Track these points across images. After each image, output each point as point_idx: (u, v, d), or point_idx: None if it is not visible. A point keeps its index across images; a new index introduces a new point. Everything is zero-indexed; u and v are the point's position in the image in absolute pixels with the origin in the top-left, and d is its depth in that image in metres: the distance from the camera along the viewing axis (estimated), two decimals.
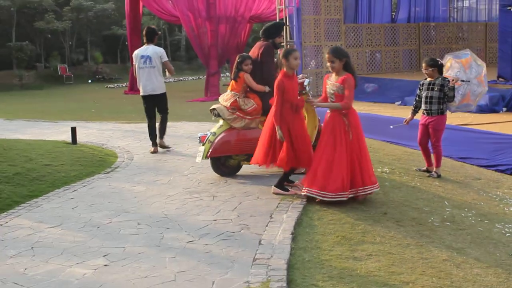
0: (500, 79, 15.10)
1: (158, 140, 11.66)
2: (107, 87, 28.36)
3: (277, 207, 7.63)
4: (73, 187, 9.00)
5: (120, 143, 12.36)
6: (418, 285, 5.62)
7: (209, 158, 9.11)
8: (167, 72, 11.95)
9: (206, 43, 21.98)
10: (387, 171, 9.79)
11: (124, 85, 27.01)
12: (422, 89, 9.96)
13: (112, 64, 31.25)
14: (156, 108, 11.86)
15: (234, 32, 22.93)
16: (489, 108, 14.41)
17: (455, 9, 21.84)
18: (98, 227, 7.10)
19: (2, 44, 30.76)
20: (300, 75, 9.22)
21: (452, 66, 10.11)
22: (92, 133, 13.59)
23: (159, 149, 11.63)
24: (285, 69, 7.96)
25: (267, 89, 9.05)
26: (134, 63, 11.90)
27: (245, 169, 9.52)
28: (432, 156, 10.18)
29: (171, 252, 6.22)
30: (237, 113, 9.04)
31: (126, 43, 26.64)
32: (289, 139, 7.96)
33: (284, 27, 17.67)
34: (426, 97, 9.83)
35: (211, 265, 5.82)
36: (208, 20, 21.96)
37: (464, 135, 12.21)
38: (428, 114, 9.94)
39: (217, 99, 9.85)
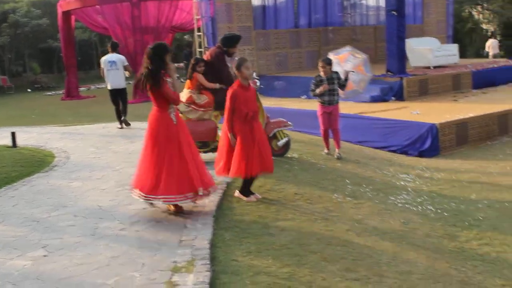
0: (389, 73, 15.36)
1: (122, 119, 13.94)
2: (45, 94, 27.52)
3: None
4: (14, 186, 8.57)
5: (57, 145, 11.93)
6: (324, 254, 5.64)
7: None
8: (126, 72, 14.08)
9: (133, 51, 21.63)
10: (296, 156, 9.80)
11: (61, 92, 26.22)
12: (320, 84, 9.98)
13: (49, 74, 30.42)
14: (119, 98, 14.02)
15: (158, 40, 22.66)
16: (381, 98, 14.66)
17: (349, 15, 22.11)
18: (37, 221, 6.78)
19: None
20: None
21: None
22: (32, 137, 13.06)
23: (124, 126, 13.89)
24: (240, 80, 7.31)
25: (217, 86, 9.11)
26: (102, 66, 14.06)
27: None
28: (333, 140, 10.35)
29: (105, 239, 6.02)
30: (192, 106, 9.14)
31: (61, 54, 25.82)
32: (240, 146, 7.23)
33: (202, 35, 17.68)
34: (329, 90, 9.93)
35: (141, 248, 5.66)
36: (134, 31, 21.59)
37: (360, 122, 12.40)
38: (330, 104, 10.06)
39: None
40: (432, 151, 11.08)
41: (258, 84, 9.44)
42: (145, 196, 6.62)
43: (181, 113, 9.16)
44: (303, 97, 15.92)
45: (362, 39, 21.34)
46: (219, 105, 9.03)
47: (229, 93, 7.25)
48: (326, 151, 10.44)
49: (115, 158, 10.15)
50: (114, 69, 13.82)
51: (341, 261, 5.49)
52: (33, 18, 30.35)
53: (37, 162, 10.27)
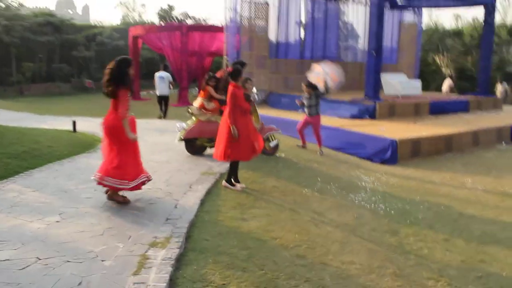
0: (366, 97, 14.54)
1: (161, 115, 15.20)
2: None
3: (196, 180, 6.73)
4: (62, 162, 7.97)
5: None
6: (283, 240, 4.89)
7: (184, 140, 8.70)
8: (170, 85, 15.48)
9: (179, 68, 21.01)
10: (283, 156, 9.04)
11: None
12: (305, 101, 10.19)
13: None
14: (163, 101, 15.28)
15: (200, 61, 22.11)
16: (358, 116, 13.81)
17: (342, 50, 21.20)
18: (65, 192, 6.14)
19: (48, 65, 29.40)
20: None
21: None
22: (92, 125, 12.45)
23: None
24: (239, 84, 6.70)
25: (223, 97, 8.43)
26: (155, 79, 15.51)
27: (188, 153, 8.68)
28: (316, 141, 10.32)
29: (109, 212, 5.34)
30: (202, 110, 8.76)
31: None
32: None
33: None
34: (309, 105, 10.12)
35: (133, 223, 4.96)
36: (181, 53, 20.94)
37: (340, 133, 11.58)
38: (310, 115, 10.13)
39: (186, 105, 11.03)
40: (392, 160, 10.22)
41: (256, 97, 8.84)
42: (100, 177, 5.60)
43: (194, 115, 8.64)
44: (299, 110, 15.06)
45: (350, 72, 20.44)
46: (221, 112, 8.52)
47: (229, 92, 6.57)
48: (300, 144, 10.55)
49: (144, 147, 9.30)
50: (162, 82, 15.28)
51: (295, 248, 4.74)
52: (114, 39, 29.97)
53: (86, 144, 9.66)
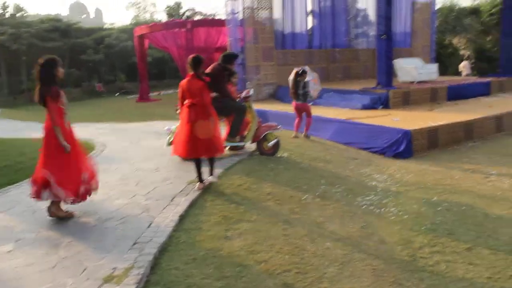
0: (378, 86, 13.57)
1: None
2: (127, 98, 26.45)
3: (181, 191, 5.91)
4: None
5: (103, 138, 10.59)
6: (270, 264, 4.07)
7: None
8: None
9: (186, 65, 20.33)
10: (286, 156, 8.19)
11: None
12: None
13: (133, 82, 29.44)
14: None
15: (207, 57, 21.33)
16: (371, 106, 12.87)
17: (353, 39, 20.18)
18: (34, 211, 5.42)
19: None
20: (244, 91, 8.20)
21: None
22: (90, 131, 11.77)
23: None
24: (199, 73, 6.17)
25: (213, 94, 7.53)
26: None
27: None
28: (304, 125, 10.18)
29: (71, 236, 4.57)
30: None
31: None
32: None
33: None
34: (304, 93, 10.07)
35: (95, 249, 4.20)
36: (187, 50, 20.21)
37: (349, 126, 10.68)
38: (304, 102, 10.10)
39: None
40: (406, 154, 9.30)
41: (251, 92, 8.04)
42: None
43: None
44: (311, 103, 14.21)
45: (362, 59, 19.47)
46: (216, 110, 7.66)
47: (204, 86, 6.15)
48: (294, 135, 10.16)
49: (137, 153, 8.73)
50: None
51: (283, 274, 3.92)
52: (122, 41, 29.47)
53: None
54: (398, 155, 9.27)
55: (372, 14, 20.08)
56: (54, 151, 4.95)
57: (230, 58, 8.07)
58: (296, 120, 10.25)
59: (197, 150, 5.92)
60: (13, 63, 28.16)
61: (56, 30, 29.03)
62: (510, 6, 16.85)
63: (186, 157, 6.59)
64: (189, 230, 4.69)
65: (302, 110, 10.14)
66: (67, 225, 4.93)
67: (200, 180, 6.03)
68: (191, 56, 6.26)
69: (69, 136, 5.09)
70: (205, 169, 6.16)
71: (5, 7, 30.28)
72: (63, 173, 4.93)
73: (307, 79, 10.14)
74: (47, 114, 5.01)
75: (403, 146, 9.36)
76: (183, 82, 6.21)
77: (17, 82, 28.23)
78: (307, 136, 10.17)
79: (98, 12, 73.39)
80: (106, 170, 7.38)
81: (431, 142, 9.69)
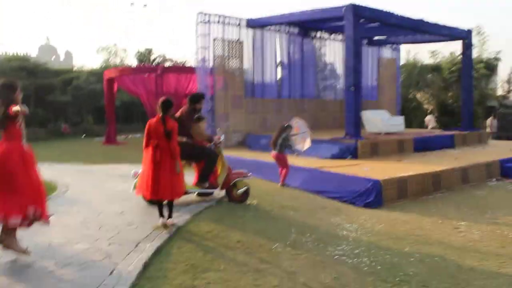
0: (347, 136, 13.68)
1: None
2: (93, 140, 25.81)
3: (147, 236, 5.60)
4: None
5: (66, 180, 10.10)
6: None
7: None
8: None
9: (154, 111, 20.10)
10: (255, 203, 7.98)
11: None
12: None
13: (100, 124, 28.95)
14: None
15: (176, 103, 21.18)
16: (339, 155, 12.89)
17: (321, 90, 20.52)
18: None
19: None
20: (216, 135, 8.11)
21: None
22: (52, 172, 11.19)
23: None
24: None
25: (184, 139, 7.34)
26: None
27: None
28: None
29: (23, 284, 4.19)
30: None
31: None
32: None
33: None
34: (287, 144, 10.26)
35: None
36: (156, 96, 20.04)
37: (319, 174, 10.60)
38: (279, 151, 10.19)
39: None
40: (376, 203, 9.21)
41: (222, 138, 7.89)
42: None
43: None
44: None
45: (330, 110, 19.76)
46: (185, 156, 7.45)
47: (175, 128, 6.27)
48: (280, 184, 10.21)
49: (101, 196, 8.36)
50: None
51: None
52: (91, 83, 29.19)
53: None
54: (368, 205, 9.17)
55: (339, 68, 20.59)
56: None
57: (197, 97, 8.00)
58: (279, 169, 10.32)
59: (158, 191, 5.99)
60: None
61: (23, 69, 28.57)
62: (467, 65, 17.69)
63: (150, 199, 6.51)
64: (154, 278, 4.38)
65: (279, 160, 10.21)
66: (20, 270, 4.52)
67: (162, 215, 6.16)
68: (161, 99, 6.30)
69: (28, 156, 4.87)
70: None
71: None
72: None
73: (298, 132, 10.46)
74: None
75: (373, 195, 9.28)
76: (152, 121, 6.26)
77: None
78: (283, 185, 10.18)
79: (68, 54, 72.92)
80: (67, 212, 7.02)
81: (400, 192, 9.67)
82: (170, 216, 6.18)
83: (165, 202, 6.26)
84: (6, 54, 32.62)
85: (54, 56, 64.95)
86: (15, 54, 32.42)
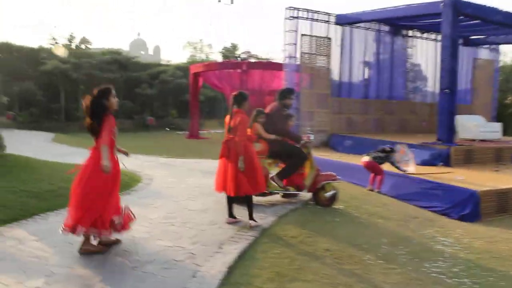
0: (439, 141, 12.77)
1: None
2: (176, 133, 26.46)
3: (230, 237, 5.36)
4: None
5: (150, 172, 10.26)
6: None
7: None
8: None
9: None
10: (342, 208, 7.54)
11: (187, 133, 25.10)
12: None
13: (183, 118, 29.66)
14: None
15: (260, 100, 21.12)
16: (430, 162, 12.05)
17: (410, 92, 19.50)
18: (71, 244, 5.01)
19: None
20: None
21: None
22: (137, 163, 11.49)
23: None
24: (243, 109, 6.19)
25: (273, 137, 7.15)
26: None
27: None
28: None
29: (105, 278, 4.10)
30: None
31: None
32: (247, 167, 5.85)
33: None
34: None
35: None
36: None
37: (409, 181, 9.92)
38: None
39: None
40: (473, 217, 8.43)
41: (311, 138, 7.50)
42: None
43: None
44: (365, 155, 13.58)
45: (419, 113, 18.70)
46: (273, 154, 7.21)
47: (243, 121, 6.01)
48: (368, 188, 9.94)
49: (184, 191, 8.30)
50: None
51: None
52: (177, 78, 29.89)
53: (123, 183, 8.60)
54: (464, 218, 8.41)
55: (425, 70, 19.51)
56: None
57: (286, 92, 7.67)
58: (371, 175, 9.99)
59: (227, 187, 5.87)
60: (71, 90, 28.94)
61: (115, 62, 29.82)
62: None
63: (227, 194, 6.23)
64: (239, 284, 4.10)
65: (372, 168, 9.91)
66: (104, 263, 4.45)
67: (231, 215, 6.02)
68: (234, 92, 6.23)
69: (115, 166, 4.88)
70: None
71: (71, 38, 31.50)
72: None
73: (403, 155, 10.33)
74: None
75: (470, 207, 8.52)
76: (227, 117, 6.22)
77: (73, 109, 28.87)
78: (378, 191, 9.85)
79: (157, 49, 75.90)
80: (150, 205, 6.98)
81: (500, 206, 8.80)
82: (250, 218, 5.89)
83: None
84: (102, 49, 34.29)
85: (143, 51, 67.78)
86: (109, 49, 34.00)
